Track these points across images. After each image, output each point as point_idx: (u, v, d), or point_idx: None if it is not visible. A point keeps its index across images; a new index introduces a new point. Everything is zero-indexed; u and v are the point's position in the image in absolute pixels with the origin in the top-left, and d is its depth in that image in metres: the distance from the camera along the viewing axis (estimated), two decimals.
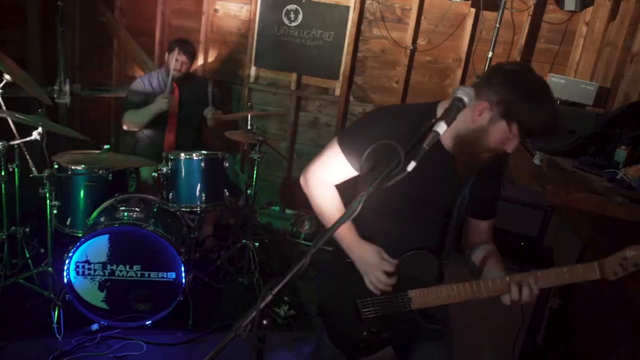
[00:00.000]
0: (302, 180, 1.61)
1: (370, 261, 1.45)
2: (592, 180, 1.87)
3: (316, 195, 1.57)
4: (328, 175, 1.55)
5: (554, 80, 2.82)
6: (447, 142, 1.39)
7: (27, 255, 2.91)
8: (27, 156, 2.65)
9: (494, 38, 3.12)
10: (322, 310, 1.63)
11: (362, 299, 1.52)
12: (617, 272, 1.26)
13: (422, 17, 3.89)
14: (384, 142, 1.13)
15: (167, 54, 3.52)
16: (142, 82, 3.51)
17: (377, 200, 1.36)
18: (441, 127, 1.04)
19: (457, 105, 1.11)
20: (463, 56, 3.83)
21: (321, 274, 1.70)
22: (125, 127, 3.46)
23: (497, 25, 3.14)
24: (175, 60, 3.41)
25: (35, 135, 2.59)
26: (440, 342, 1.58)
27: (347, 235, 1.50)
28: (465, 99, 1.12)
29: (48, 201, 2.55)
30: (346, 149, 1.47)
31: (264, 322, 0.99)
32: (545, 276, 1.33)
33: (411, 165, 0.99)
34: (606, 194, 1.72)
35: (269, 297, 0.99)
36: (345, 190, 1.61)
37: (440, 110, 1.37)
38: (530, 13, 3.66)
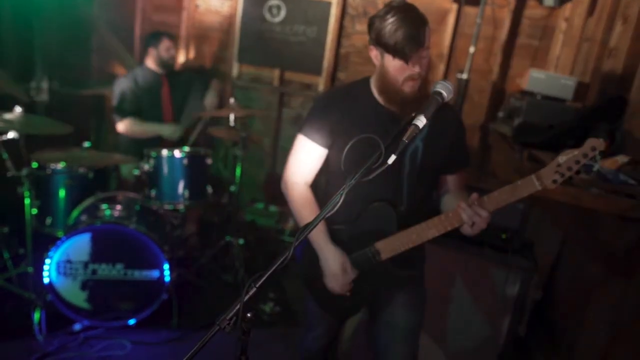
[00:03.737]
0: (282, 186, 1.71)
1: (332, 269, 1.56)
2: None
3: (292, 199, 1.67)
4: (301, 168, 1.64)
5: (534, 75, 2.86)
6: (379, 96, 1.53)
7: (6, 256, 2.86)
8: (5, 154, 2.60)
9: (475, 33, 3.15)
10: (306, 278, 1.72)
11: None
12: (556, 180, 1.33)
13: None
14: (365, 135, 1.18)
15: (151, 48, 3.47)
16: (126, 80, 3.46)
17: (332, 165, 1.59)
18: (420, 121, 1.05)
19: (436, 99, 1.12)
20: (445, 51, 3.86)
21: (301, 246, 1.76)
22: (121, 131, 3.43)
23: (479, 21, 3.17)
24: (167, 49, 3.41)
25: (12, 133, 2.53)
26: (411, 289, 1.68)
27: (318, 236, 1.59)
28: (444, 93, 1.13)
29: (27, 200, 2.50)
30: (309, 132, 1.60)
31: (248, 314, 0.99)
32: (490, 198, 1.39)
33: (392, 159, 1.00)
34: (583, 186, 1.75)
35: (253, 290, 0.99)
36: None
37: (371, 82, 1.56)
38: (511, 9, 3.70)
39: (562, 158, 1.33)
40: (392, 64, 1.39)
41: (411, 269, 1.63)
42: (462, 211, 1.37)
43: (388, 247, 1.53)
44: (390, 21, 1.35)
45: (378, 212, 1.55)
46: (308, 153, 1.61)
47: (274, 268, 1.00)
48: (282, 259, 0.99)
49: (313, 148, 1.59)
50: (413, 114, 1.05)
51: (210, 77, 3.94)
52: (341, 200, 1.00)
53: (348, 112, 1.52)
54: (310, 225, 1.00)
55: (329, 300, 1.68)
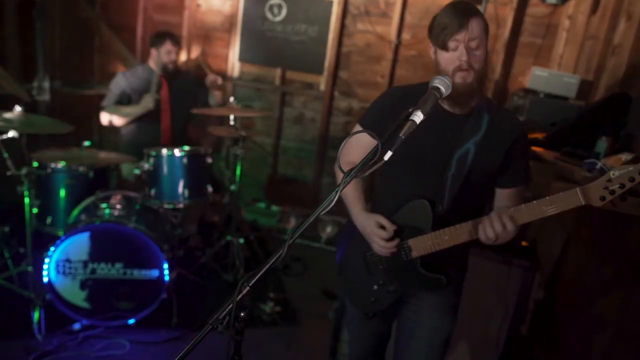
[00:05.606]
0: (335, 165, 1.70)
1: (369, 230, 1.55)
2: (572, 171, 1.88)
3: (337, 179, 1.66)
4: (348, 153, 1.65)
5: (537, 73, 2.83)
6: None
7: (7, 255, 2.86)
8: (5, 153, 2.59)
9: None
10: (341, 267, 1.76)
11: (371, 252, 1.64)
12: (604, 197, 1.20)
13: (406, 11, 3.88)
14: (363, 131, 1.16)
15: (153, 49, 3.44)
16: (124, 77, 3.44)
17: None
18: (418, 117, 1.03)
19: (434, 95, 1.10)
20: None
21: (340, 233, 1.81)
22: (103, 123, 3.39)
23: None
24: (168, 52, 3.36)
25: (13, 132, 2.53)
26: (440, 294, 1.65)
27: (353, 207, 1.63)
28: (442, 89, 1.12)
29: (27, 199, 2.50)
30: (364, 122, 1.61)
31: (242, 314, 0.98)
32: (527, 208, 1.32)
33: (387, 155, 0.99)
34: (586, 184, 1.72)
35: (246, 289, 0.98)
36: None
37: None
38: (514, 7, 3.68)
39: (614, 172, 1.17)
40: (442, 56, 1.39)
41: (441, 273, 1.58)
42: (490, 220, 1.34)
43: (420, 245, 1.52)
44: (440, 15, 1.40)
45: (415, 208, 1.53)
46: (357, 141, 1.60)
47: (267, 267, 0.98)
48: (275, 257, 0.97)
49: (364, 136, 1.52)
50: (410, 110, 1.03)
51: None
52: (336, 197, 0.98)
53: (404, 111, 1.35)
54: (304, 224, 0.98)
55: (358, 291, 1.70)
